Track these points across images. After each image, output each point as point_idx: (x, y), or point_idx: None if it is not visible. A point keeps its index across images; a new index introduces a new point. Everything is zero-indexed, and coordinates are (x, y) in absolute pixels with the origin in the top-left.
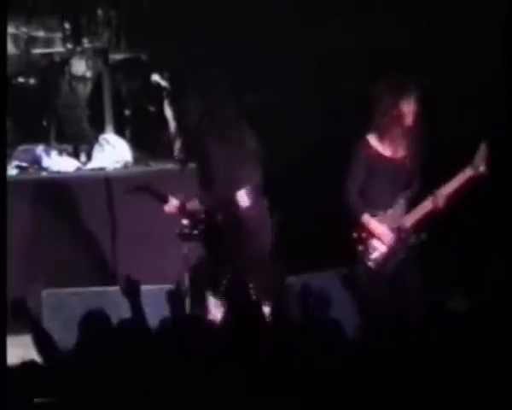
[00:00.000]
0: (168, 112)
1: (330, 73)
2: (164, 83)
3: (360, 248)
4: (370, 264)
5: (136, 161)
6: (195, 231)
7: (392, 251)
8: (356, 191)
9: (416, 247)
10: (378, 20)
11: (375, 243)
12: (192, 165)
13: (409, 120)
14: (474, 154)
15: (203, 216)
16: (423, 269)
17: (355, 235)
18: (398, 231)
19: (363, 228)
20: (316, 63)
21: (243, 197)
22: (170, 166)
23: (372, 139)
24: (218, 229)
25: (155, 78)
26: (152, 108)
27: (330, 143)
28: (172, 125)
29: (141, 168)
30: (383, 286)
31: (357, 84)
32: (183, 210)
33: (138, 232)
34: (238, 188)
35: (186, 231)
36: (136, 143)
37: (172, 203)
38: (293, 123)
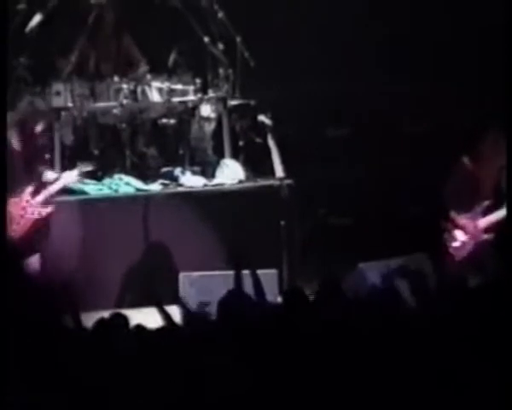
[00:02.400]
0: (271, 142)
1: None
2: (267, 121)
3: (446, 236)
4: (452, 249)
5: (247, 178)
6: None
7: (468, 241)
8: (450, 195)
9: (485, 243)
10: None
11: (457, 233)
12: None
13: (501, 160)
14: None
15: None
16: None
17: (444, 225)
18: (475, 229)
19: (451, 220)
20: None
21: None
22: (272, 182)
23: (466, 160)
24: None
25: (261, 118)
26: (258, 140)
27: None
28: (274, 151)
29: (250, 183)
30: (459, 269)
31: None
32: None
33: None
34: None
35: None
36: (247, 166)
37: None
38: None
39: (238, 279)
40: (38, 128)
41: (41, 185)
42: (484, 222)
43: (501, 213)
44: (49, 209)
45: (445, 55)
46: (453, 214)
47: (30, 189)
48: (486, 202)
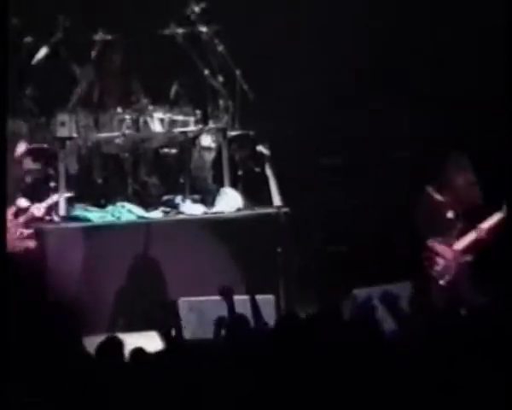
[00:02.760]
0: (269, 172)
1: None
2: (265, 151)
3: (426, 263)
4: (434, 274)
5: (246, 206)
6: None
7: (449, 265)
8: (422, 224)
9: (465, 265)
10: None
11: (437, 259)
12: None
13: (462, 183)
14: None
15: None
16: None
17: (423, 254)
18: (452, 252)
19: (428, 249)
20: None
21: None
22: (269, 210)
23: (430, 190)
24: None
25: (259, 148)
26: (257, 169)
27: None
28: (272, 180)
29: (249, 211)
30: (442, 293)
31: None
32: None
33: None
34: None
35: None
36: (246, 194)
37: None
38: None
39: (230, 305)
40: (20, 150)
41: (21, 209)
42: (460, 244)
43: (473, 235)
44: (30, 230)
45: (445, 57)
46: (430, 242)
47: (13, 209)
48: (459, 225)
